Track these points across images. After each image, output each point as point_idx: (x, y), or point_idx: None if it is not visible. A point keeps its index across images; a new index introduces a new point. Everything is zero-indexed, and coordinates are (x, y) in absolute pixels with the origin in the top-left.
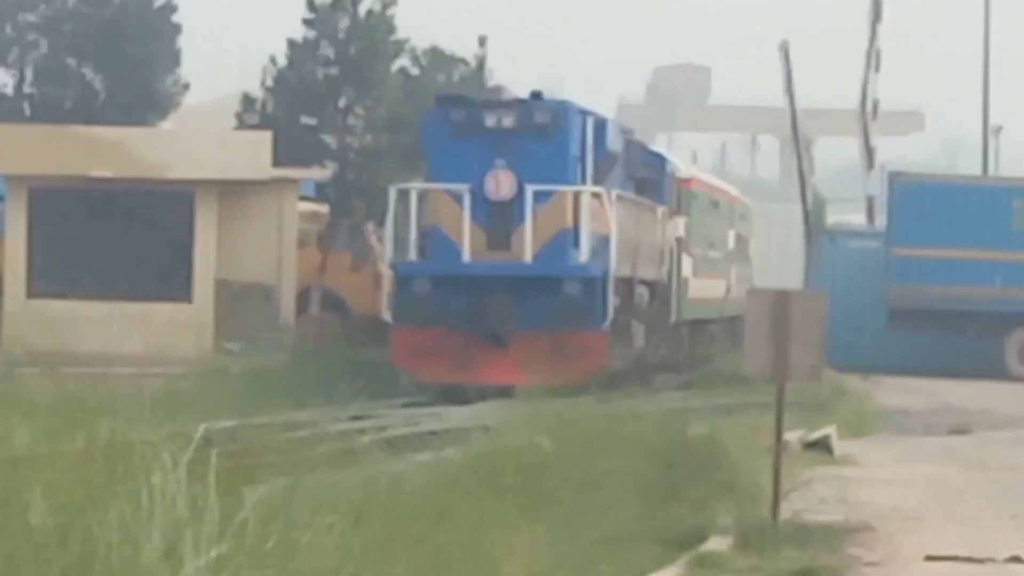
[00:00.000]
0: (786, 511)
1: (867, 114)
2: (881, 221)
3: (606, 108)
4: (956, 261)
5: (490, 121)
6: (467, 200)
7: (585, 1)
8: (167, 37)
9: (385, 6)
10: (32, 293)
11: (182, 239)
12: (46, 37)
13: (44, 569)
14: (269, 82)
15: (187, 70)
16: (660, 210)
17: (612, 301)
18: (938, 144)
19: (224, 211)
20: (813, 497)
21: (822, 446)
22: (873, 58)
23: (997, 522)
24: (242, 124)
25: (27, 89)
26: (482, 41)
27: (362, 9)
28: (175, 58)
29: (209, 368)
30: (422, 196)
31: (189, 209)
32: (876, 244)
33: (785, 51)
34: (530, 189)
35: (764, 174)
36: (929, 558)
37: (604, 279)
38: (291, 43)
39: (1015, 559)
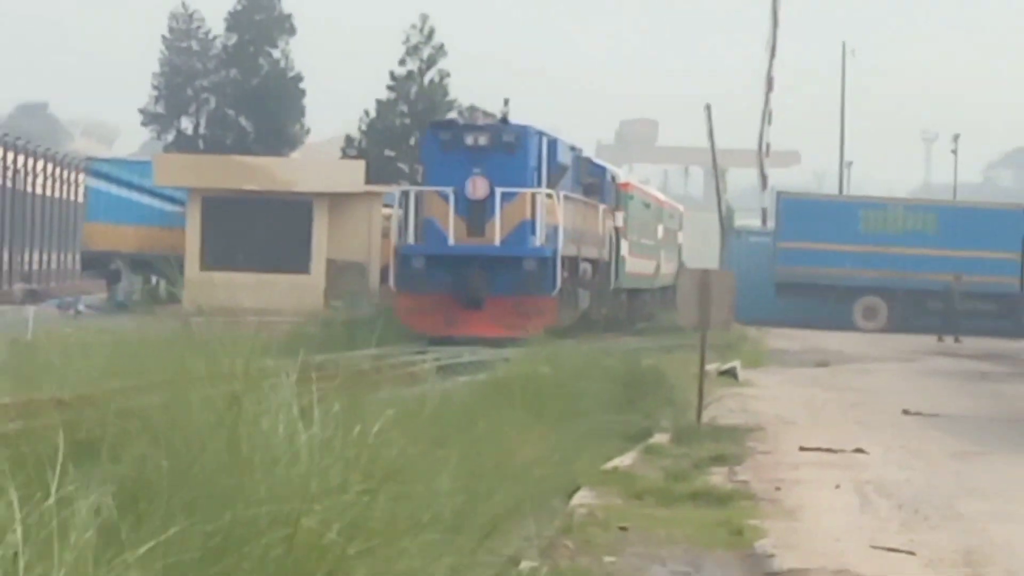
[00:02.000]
0: (706, 417)
1: (762, 153)
2: (770, 224)
3: (587, 147)
4: (821, 251)
5: (469, 140)
6: (452, 199)
7: (578, 74)
8: (295, 97)
9: (442, 77)
10: (204, 267)
11: (304, 231)
12: (214, 96)
13: (211, 443)
14: (363, 127)
15: (309, 119)
16: (602, 207)
17: (560, 274)
18: (810, 173)
19: (332, 213)
20: (724, 408)
21: (731, 374)
22: (766, 115)
23: (847, 426)
24: (345, 155)
25: (201, 131)
26: (506, 101)
27: (426, 79)
28: (301, 111)
29: (320, 318)
30: (419, 196)
31: (309, 211)
32: (767, 240)
33: (708, 110)
34: (499, 191)
35: (693, 192)
36: (802, 448)
37: (554, 258)
38: (379, 102)
39: (858, 450)
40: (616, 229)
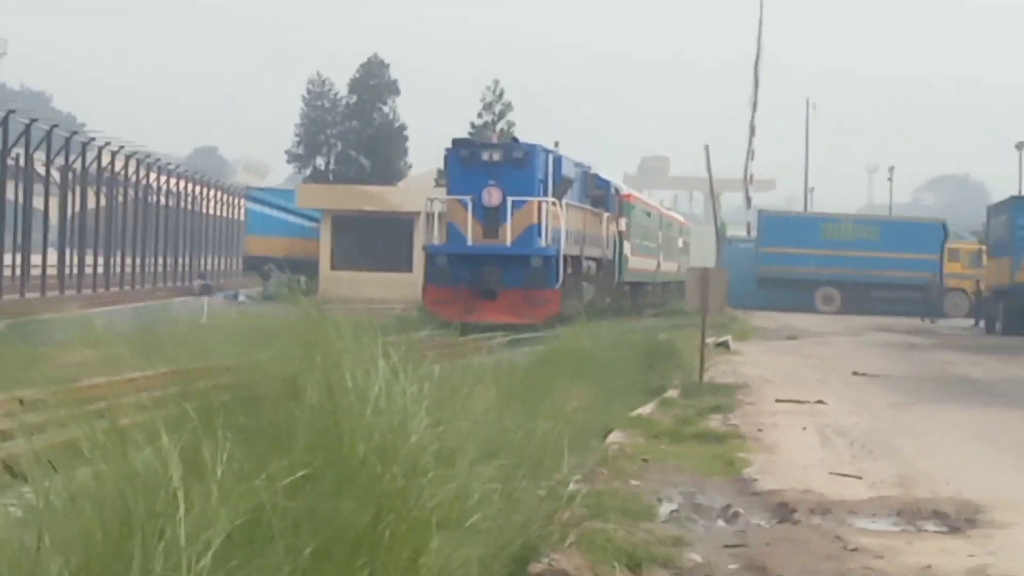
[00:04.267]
0: (706, 377)
1: (747, 181)
2: (754, 235)
3: (616, 176)
4: (791, 254)
5: (485, 156)
6: (471, 206)
7: (611, 121)
8: (400, 140)
9: (509, 127)
10: (333, 267)
11: (407, 240)
12: (340, 141)
13: (335, 395)
14: None
15: (411, 157)
16: (606, 215)
17: (563, 270)
18: (783, 196)
19: None
20: (719, 371)
21: (724, 346)
22: (750, 153)
23: (811, 384)
24: (437, 184)
25: (331, 167)
26: (556, 143)
27: (497, 127)
28: (404, 151)
29: (419, 306)
30: (443, 204)
31: (410, 226)
32: (751, 246)
33: (706, 150)
34: (510, 200)
35: (695, 211)
36: (777, 400)
37: (557, 256)
38: None
39: (820, 402)
40: (619, 233)
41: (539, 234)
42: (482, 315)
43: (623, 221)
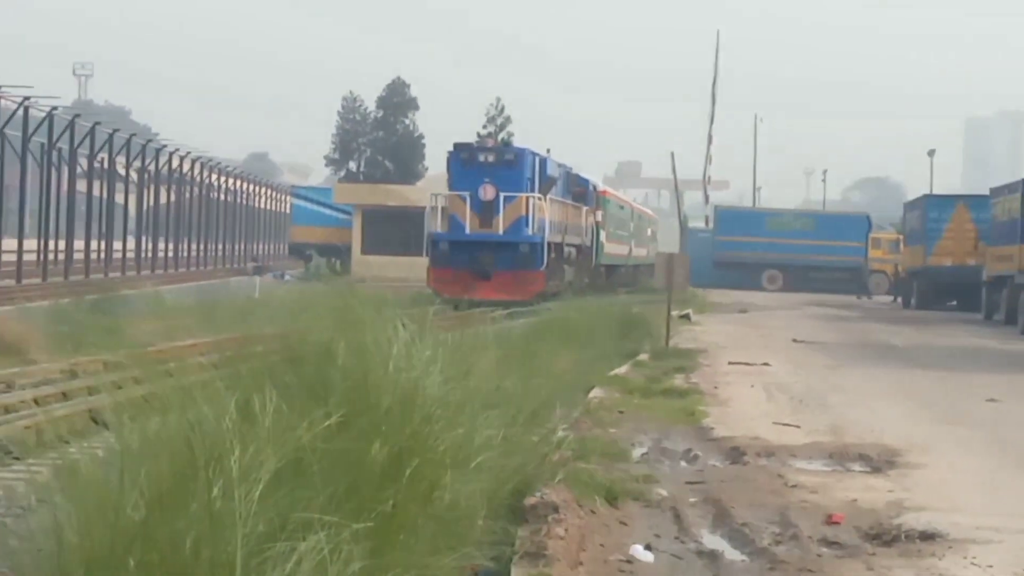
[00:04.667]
0: (671, 344)
1: (705, 181)
2: (711, 226)
3: (597, 177)
4: (742, 241)
5: (481, 157)
6: (468, 200)
7: (593, 128)
8: (419, 147)
9: (509, 135)
10: (363, 252)
11: (423, 230)
12: (369, 148)
13: (366, 356)
14: None
15: (427, 160)
16: (585, 208)
17: (547, 255)
18: (736, 194)
19: None
20: (682, 338)
21: (686, 318)
22: (707, 159)
23: (759, 350)
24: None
25: (361, 169)
26: (548, 150)
27: (499, 138)
28: (422, 156)
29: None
30: (446, 198)
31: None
32: (709, 235)
33: (672, 156)
34: (503, 195)
35: (663, 206)
36: (730, 363)
37: (542, 243)
38: None
39: (765, 364)
40: (597, 223)
41: (527, 224)
42: (478, 293)
43: (600, 213)
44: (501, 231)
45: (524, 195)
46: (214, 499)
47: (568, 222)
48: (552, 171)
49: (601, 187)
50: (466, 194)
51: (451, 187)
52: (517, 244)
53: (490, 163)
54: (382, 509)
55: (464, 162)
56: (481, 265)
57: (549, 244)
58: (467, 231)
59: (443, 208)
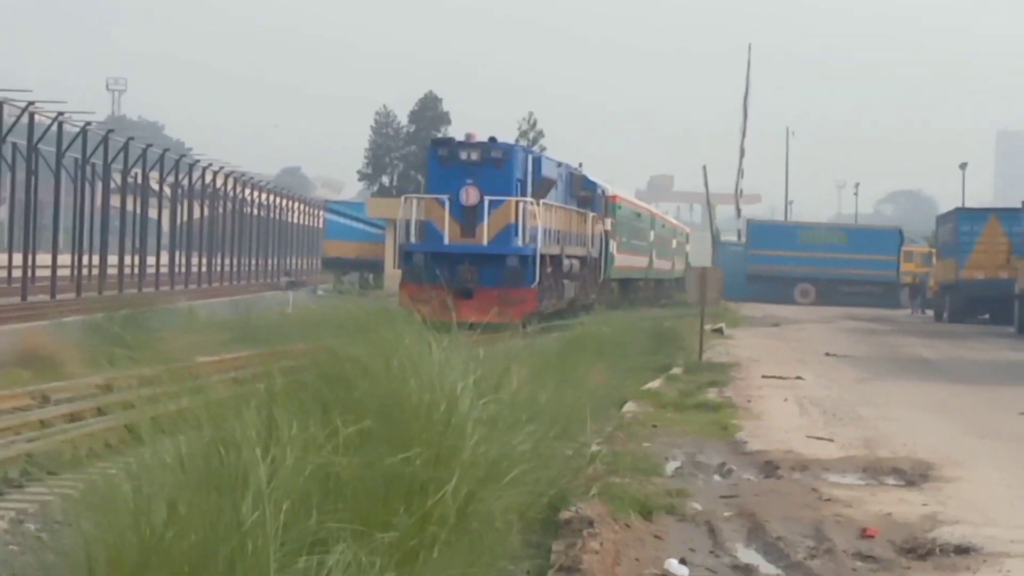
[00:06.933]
0: (705, 357)
1: (737, 195)
2: (743, 239)
3: (630, 192)
4: (774, 255)
5: (463, 155)
6: (448, 205)
7: (622, 140)
8: None
9: (542, 150)
10: (396, 267)
11: None
12: (402, 162)
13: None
14: None
15: None
16: (592, 215)
17: (539, 269)
18: (768, 208)
19: None
20: (715, 352)
21: (719, 331)
22: (740, 172)
23: (792, 364)
24: None
25: (394, 184)
26: (580, 164)
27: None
28: None
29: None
30: (421, 202)
31: None
32: (741, 249)
33: (704, 169)
34: (487, 199)
35: (695, 220)
36: (763, 376)
37: (534, 255)
38: None
39: (798, 377)
40: (606, 232)
41: (516, 233)
42: (458, 314)
43: (609, 221)
44: (485, 241)
45: (513, 199)
46: (244, 515)
47: (571, 231)
48: (549, 171)
49: (611, 191)
50: (445, 197)
51: (428, 189)
52: (504, 257)
53: (474, 161)
54: (414, 523)
55: (443, 160)
56: (462, 281)
57: (543, 257)
58: (445, 241)
59: (417, 213)
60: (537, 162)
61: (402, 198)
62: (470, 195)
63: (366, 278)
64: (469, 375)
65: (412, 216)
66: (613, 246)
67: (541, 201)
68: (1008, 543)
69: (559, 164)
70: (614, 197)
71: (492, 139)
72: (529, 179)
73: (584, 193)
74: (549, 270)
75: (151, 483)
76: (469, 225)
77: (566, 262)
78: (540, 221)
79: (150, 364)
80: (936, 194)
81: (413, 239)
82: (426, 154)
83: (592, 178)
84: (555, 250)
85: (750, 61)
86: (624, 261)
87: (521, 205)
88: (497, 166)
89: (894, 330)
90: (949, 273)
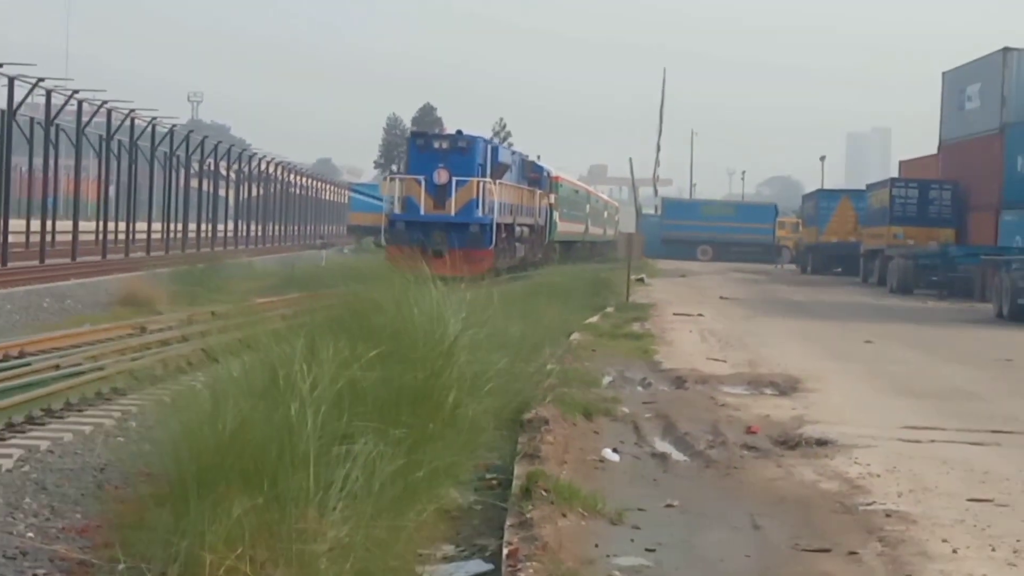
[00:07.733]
0: (631, 300)
1: (655, 179)
2: (659, 212)
3: (574, 177)
4: (683, 224)
5: (436, 144)
6: (424, 183)
7: (570, 138)
8: None
9: (510, 146)
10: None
11: None
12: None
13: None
14: None
15: None
16: (539, 192)
17: (496, 234)
18: (677, 188)
19: None
20: (638, 296)
21: (641, 281)
22: (656, 162)
23: (696, 304)
24: None
25: (401, 170)
26: (539, 156)
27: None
28: None
29: None
30: (403, 181)
31: None
32: (658, 219)
33: (630, 161)
34: (455, 179)
35: (623, 197)
36: (674, 313)
37: (491, 224)
38: None
39: (700, 315)
40: (550, 205)
41: (477, 206)
42: (432, 270)
43: (553, 196)
44: (453, 212)
45: (475, 179)
46: (292, 416)
47: (522, 204)
48: (504, 158)
49: (555, 173)
50: (421, 178)
51: (408, 171)
52: (467, 224)
53: (444, 149)
54: (417, 422)
55: (420, 148)
56: (435, 244)
57: (499, 224)
58: (422, 212)
59: (400, 190)
60: (495, 150)
61: (387, 178)
62: (441, 176)
63: (379, 241)
64: (460, 312)
65: (396, 192)
66: (556, 216)
67: (498, 181)
68: (856, 437)
69: (513, 152)
70: (557, 177)
71: (459, 132)
72: (488, 163)
73: (533, 175)
74: (504, 235)
75: (223, 392)
76: (440, 199)
77: (518, 229)
78: (497, 196)
79: (222, 303)
80: (803, 179)
81: (397, 210)
82: (407, 142)
83: (540, 163)
84: (509, 219)
85: (665, 79)
86: (565, 228)
87: (482, 184)
88: (463, 153)
89: (770, 279)
90: (812, 237)
